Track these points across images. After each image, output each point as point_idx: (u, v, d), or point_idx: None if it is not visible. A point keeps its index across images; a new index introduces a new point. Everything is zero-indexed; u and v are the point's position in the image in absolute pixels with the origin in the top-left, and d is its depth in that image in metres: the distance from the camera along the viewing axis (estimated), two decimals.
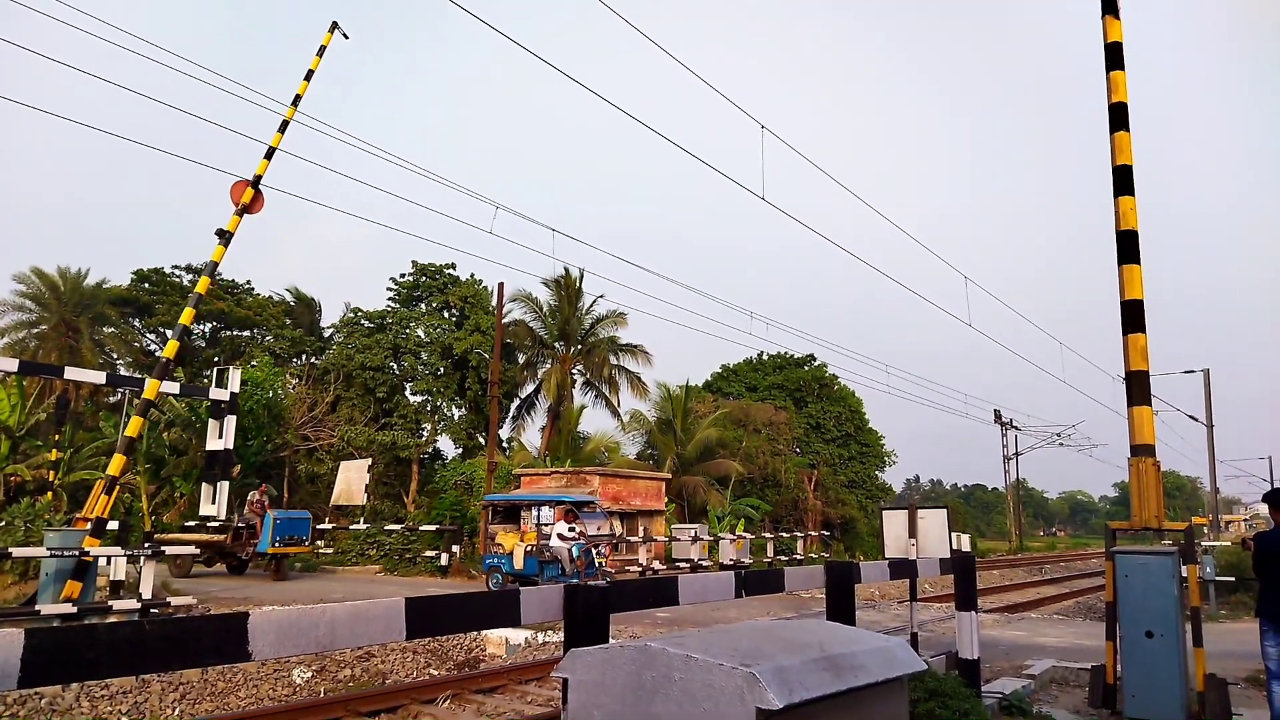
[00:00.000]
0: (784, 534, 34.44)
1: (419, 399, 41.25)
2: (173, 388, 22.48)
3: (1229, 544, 22.61)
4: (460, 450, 41.63)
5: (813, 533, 37.96)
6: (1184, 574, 7.41)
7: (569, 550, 17.37)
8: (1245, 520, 59.89)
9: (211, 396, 22.29)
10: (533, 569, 18.06)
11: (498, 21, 10.70)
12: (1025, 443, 63.32)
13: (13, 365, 19.29)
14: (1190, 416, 38.88)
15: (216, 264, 15.86)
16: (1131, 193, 8.53)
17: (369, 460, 29.76)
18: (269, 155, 15.87)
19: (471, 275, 42.42)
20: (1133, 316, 8.25)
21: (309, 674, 10.54)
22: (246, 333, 44.81)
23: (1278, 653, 6.51)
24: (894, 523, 10.50)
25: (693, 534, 27.17)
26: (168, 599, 13.86)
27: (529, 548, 18.31)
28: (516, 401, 41.24)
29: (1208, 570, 17.67)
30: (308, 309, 45.98)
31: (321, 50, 16.86)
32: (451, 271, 42.18)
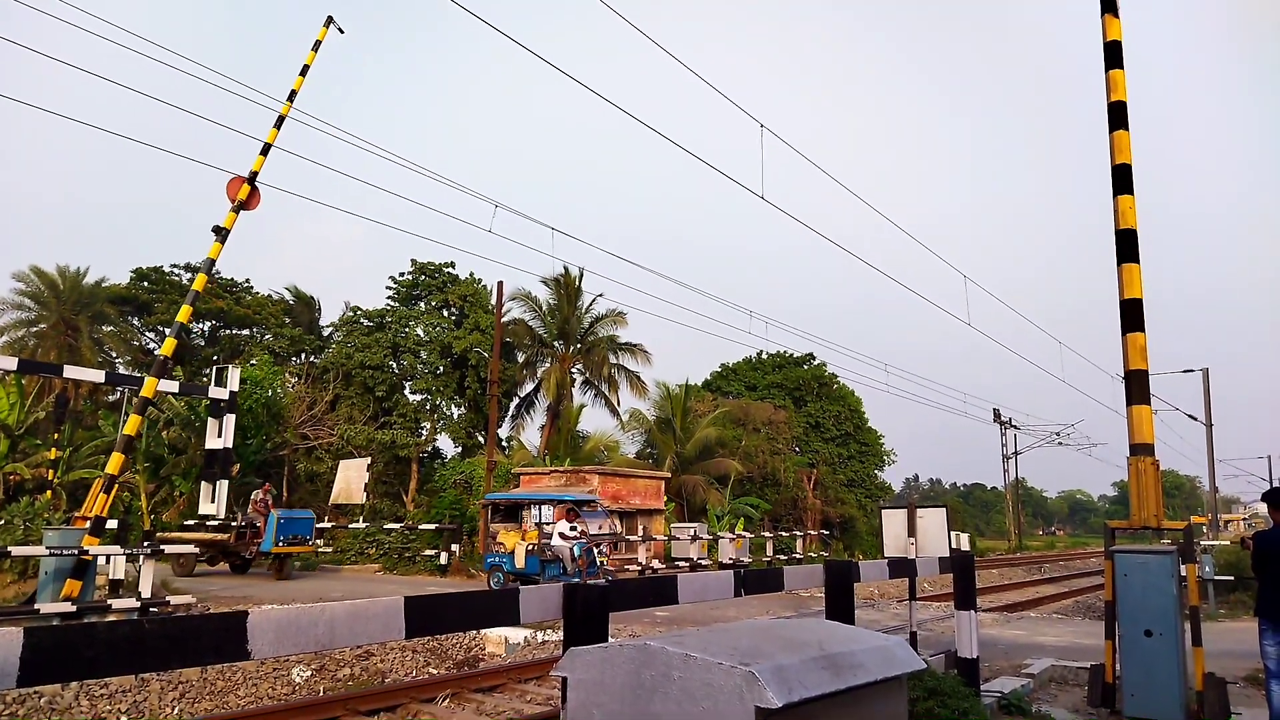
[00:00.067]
0: (783, 533, 34.45)
1: (418, 398, 41.26)
2: (172, 386, 22.46)
3: (1228, 543, 22.65)
4: (459, 449, 41.65)
5: (812, 532, 37.96)
6: (1183, 573, 7.41)
7: (571, 549, 17.37)
8: (1244, 519, 59.99)
9: (210, 395, 22.27)
10: (534, 568, 18.05)
11: (498, 21, 10.70)
12: (1024, 442, 63.46)
13: (12, 364, 19.27)
14: (1189, 416, 38.92)
15: (214, 261, 15.84)
16: (1131, 192, 8.53)
17: (368, 459, 29.75)
18: (265, 151, 15.84)
19: (471, 274, 42.45)
20: (1132, 316, 8.25)
21: (308, 673, 10.54)
22: (246, 331, 44.79)
23: (1276, 652, 6.52)
24: (893, 522, 10.51)
25: (692, 533, 27.18)
26: (167, 598, 13.86)
27: (530, 546, 18.30)
28: (516, 400, 41.27)
29: (1207, 569, 17.68)
30: (307, 308, 45.98)
31: (317, 45, 16.81)
32: (451, 270, 42.18)
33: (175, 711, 9.26)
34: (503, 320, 31.22)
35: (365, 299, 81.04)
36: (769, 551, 31.20)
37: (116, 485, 15.21)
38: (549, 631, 12.77)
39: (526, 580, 17.83)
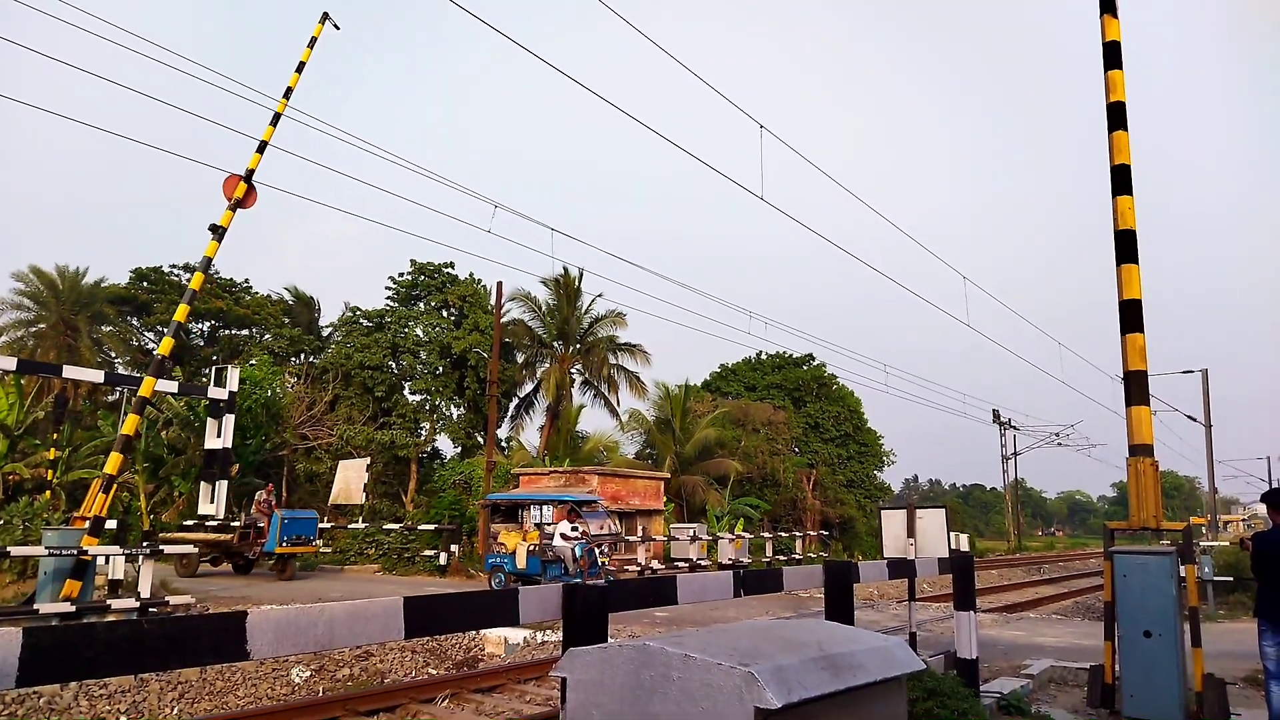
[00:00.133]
0: (782, 533, 34.45)
1: (417, 398, 41.26)
2: (171, 386, 22.47)
3: (1227, 544, 22.65)
4: (459, 449, 41.64)
5: (811, 532, 37.96)
6: (1182, 574, 7.42)
7: (572, 550, 17.36)
8: (1244, 520, 60.00)
9: (210, 395, 22.28)
10: (536, 568, 18.04)
11: (498, 21, 10.70)
12: (1024, 442, 63.45)
13: (11, 364, 19.27)
14: (1189, 416, 38.92)
15: (210, 259, 15.81)
16: (1130, 192, 8.53)
17: (367, 459, 29.74)
18: (261, 149, 15.81)
19: (470, 274, 42.45)
20: (1131, 316, 8.25)
21: (307, 673, 10.54)
22: (245, 331, 44.78)
23: (1276, 652, 6.52)
24: (892, 522, 10.51)
25: (691, 533, 27.17)
26: (166, 598, 13.86)
27: (531, 547, 18.29)
28: (515, 401, 41.27)
29: (1206, 570, 17.69)
30: (306, 308, 45.97)
31: (313, 42, 16.79)
32: (450, 270, 42.18)
33: (174, 712, 9.26)
34: (502, 321, 31.23)
35: (365, 299, 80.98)
36: (768, 552, 31.20)
37: (115, 485, 15.19)
38: (548, 632, 12.76)
39: (528, 581, 17.81)
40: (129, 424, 14.59)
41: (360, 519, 28.12)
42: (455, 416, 42.03)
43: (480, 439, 39.38)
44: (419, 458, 40.34)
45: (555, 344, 39.70)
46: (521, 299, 39.16)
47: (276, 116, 15.88)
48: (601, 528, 20.03)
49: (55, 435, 24.61)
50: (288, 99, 16.07)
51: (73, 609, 12.04)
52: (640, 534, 26.53)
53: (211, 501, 21.94)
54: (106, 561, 14.11)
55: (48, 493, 23.26)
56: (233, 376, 22.53)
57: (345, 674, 10.80)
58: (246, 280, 46.00)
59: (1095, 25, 9.02)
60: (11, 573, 15.77)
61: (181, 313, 15.51)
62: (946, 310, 21.41)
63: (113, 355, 41.14)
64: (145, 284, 42.11)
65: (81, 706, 8.81)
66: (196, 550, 20.36)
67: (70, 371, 20.33)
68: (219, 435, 22.22)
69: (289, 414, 35.15)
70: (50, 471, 24.58)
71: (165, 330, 39.08)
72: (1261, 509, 12.06)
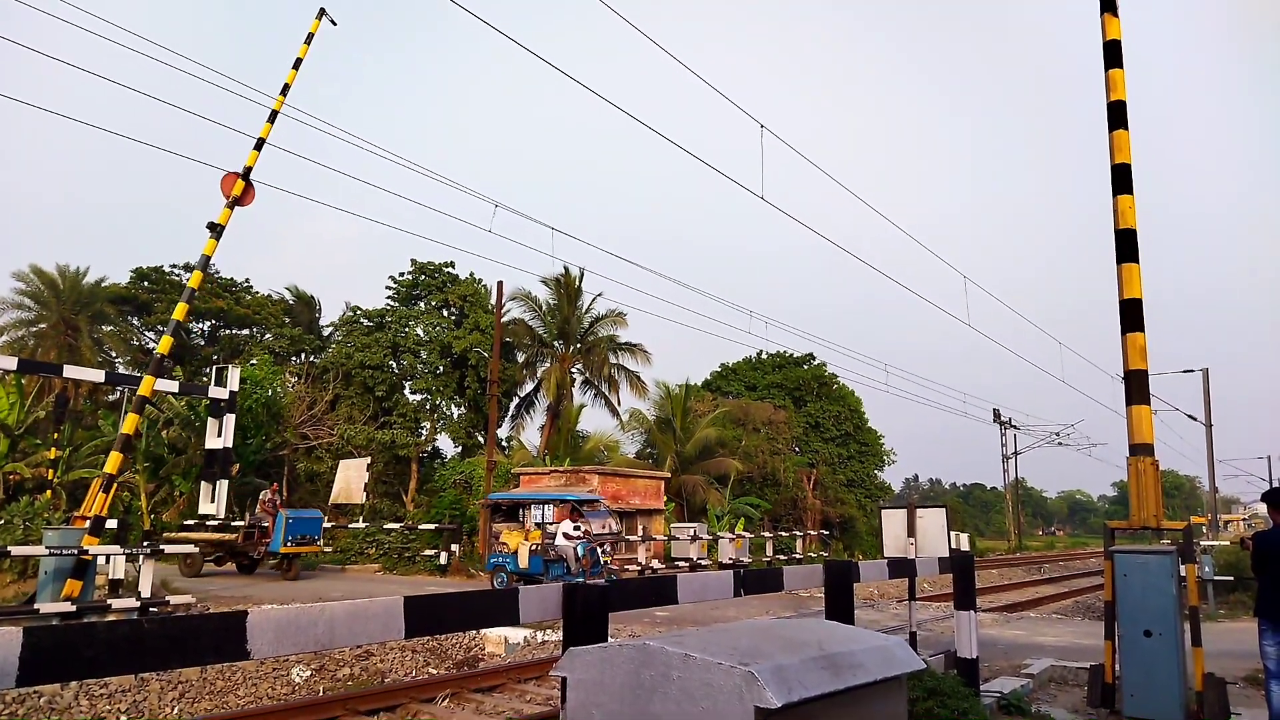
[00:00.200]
0: (783, 533, 34.44)
1: (418, 397, 41.26)
2: (172, 386, 22.46)
3: (1228, 543, 22.64)
4: (459, 449, 41.64)
5: (811, 532, 37.96)
6: (1182, 573, 7.41)
7: (574, 549, 17.35)
8: (1244, 520, 60.00)
9: (210, 395, 22.27)
10: (538, 568, 18.04)
11: (498, 21, 10.70)
12: (1024, 442, 63.50)
13: (12, 363, 19.27)
14: (1189, 416, 38.92)
15: (209, 257, 15.80)
16: (1130, 191, 8.53)
17: (368, 459, 29.74)
18: (259, 146, 15.79)
19: (471, 274, 42.45)
20: (1131, 315, 8.25)
21: (308, 673, 10.54)
22: (245, 331, 44.79)
23: (1276, 652, 6.52)
24: (893, 522, 10.51)
25: (692, 533, 27.17)
26: (167, 597, 13.86)
27: (534, 546, 18.28)
28: (516, 400, 41.27)
29: (1206, 569, 17.68)
30: (307, 307, 45.98)
31: (309, 38, 16.76)
32: (451, 270, 42.17)
33: (175, 711, 9.26)
34: (502, 320, 31.23)
35: (365, 299, 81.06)
36: (769, 551, 31.20)
37: (115, 485, 15.20)
38: (549, 631, 12.77)
39: (530, 580, 17.80)
40: (129, 423, 14.60)
41: (361, 518, 28.12)
42: (456, 416, 42.04)
43: (481, 438, 39.39)
44: (419, 457, 40.34)
45: (556, 343, 39.70)
46: (522, 298, 39.19)
47: (274, 114, 15.86)
48: (603, 527, 20.03)
49: (56, 435, 24.63)
50: (285, 96, 16.05)
51: (73, 608, 12.04)
52: (641, 533, 26.52)
53: (212, 501, 21.94)
54: (107, 561, 14.12)
55: (48, 492, 23.27)
56: (233, 376, 22.53)
57: (345, 673, 10.80)
58: (247, 280, 46.06)
59: (1095, 25, 9.02)
60: (12, 572, 15.78)
61: (180, 311, 15.51)
62: (947, 310, 21.41)
63: (113, 355, 41.15)
64: (146, 284, 42.12)
65: (82, 706, 8.81)
66: (200, 550, 20.40)
67: (71, 371, 20.33)
68: (220, 435, 22.21)
69: (290, 413, 35.15)
70: (51, 471, 24.60)
71: (165, 330, 39.16)
72: (1262, 508, 12.06)
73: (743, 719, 2.37)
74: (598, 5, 10.14)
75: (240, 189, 15.47)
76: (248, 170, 15.61)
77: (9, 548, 13.88)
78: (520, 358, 40.85)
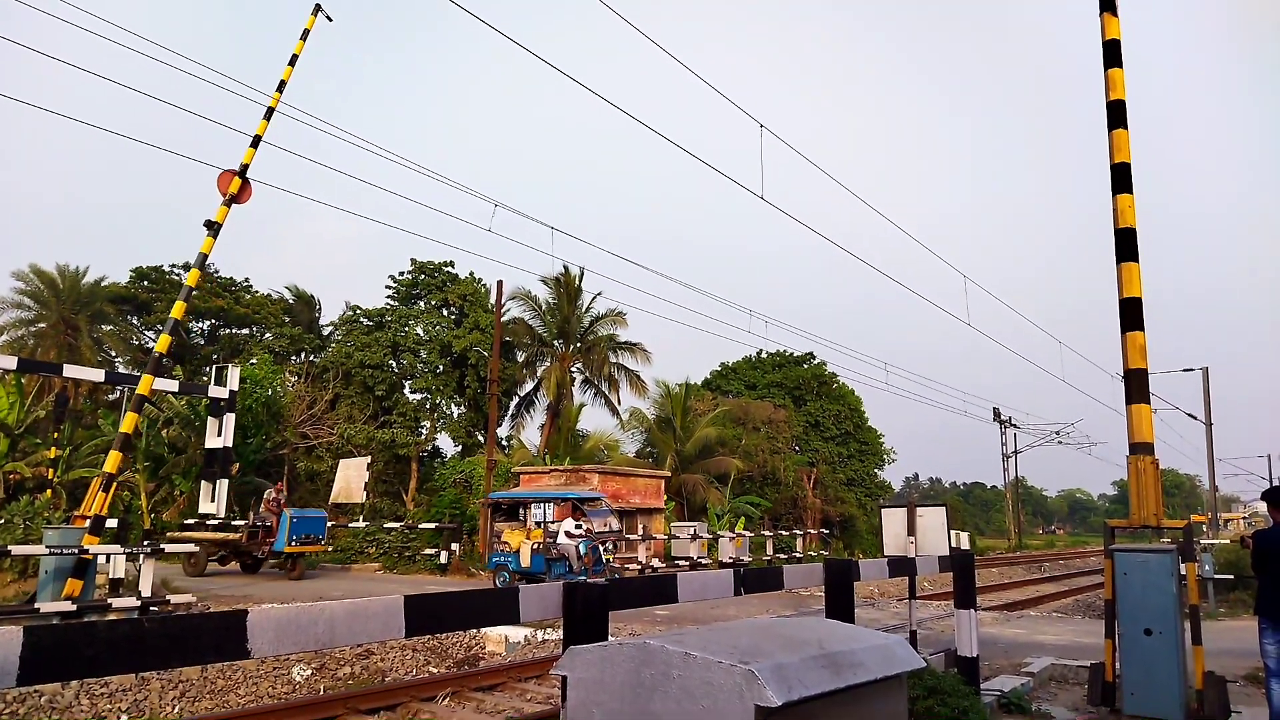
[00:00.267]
0: (783, 532, 34.46)
1: (418, 397, 41.27)
2: (172, 385, 22.46)
3: (1228, 542, 22.63)
4: (459, 448, 41.64)
5: (812, 530, 37.97)
6: (1183, 572, 7.42)
7: (576, 547, 17.34)
8: (1244, 518, 60.00)
9: (210, 394, 22.26)
10: (540, 566, 18.03)
11: (498, 21, 10.70)
12: (1024, 441, 63.57)
13: (11, 363, 19.26)
14: (1189, 415, 38.91)
15: (206, 256, 15.76)
16: (1130, 190, 8.53)
17: (368, 458, 29.76)
18: (255, 144, 15.75)
19: (470, 273, 42.45)
20: (1131, 314, 8.25)
21: (308, 672, 10.55)
22: (245, 330, 44.79)
23: (1276, 650, 6.52)
24: (893, 521, 10.51)
25: (692, 532, 27.18)
26: (167, 597, 13.86)
27: (536, 545, 18.28)
28: (516, 399, 41.27)
29: (1206, 568, 17.68)
30: (307, 306, 45.97)
31: (305, 34, 16.71)
32: (450, 269, 42.17)
33: (175, 710, 9.27)
34: (502, 319, 31.23)
35: (365, 298, 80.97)
36: (769, 550, 31.21)
37: (115, 484, 15.19)
38: (549, 630, 12.77)
39: (533, 579, 17.80)
40: (127, 422, 14.59)
41: (361, 518, 28.14)
42: (456, 415, 42.04)
43: (481, 438, 39.39)
44: (419, 456, 40.35)
45: (556, 343, 39.69)
46: (522, 298, 39.19)
47: (270, 111, 15.82)
48: (604, 525, 20.03)
49: (56, 434, 24.62)
50: (281, 93, 16.01)
51: (74, 608, 12.04)
52: (641, 532, 26.53)
53: (212, 500, 21.94)
54: (107, 560, 14.12)
55: (48, 492, 23.27)
56: (233, 375, 22.52)
57: (346, 672, 10.81)
58: (247, 279, 46.06)
59: (1095, 25, 9.02)
60: (13, 571, 15.78)
61: (178, 310, 15.48)
62: (947, 309, 21.42)
63: (113, 354, 41.16)
64: (145, 283, 42.12)
65: (83, 705, 8.82)
66: (204, 549, 20.43)
67: (71, 370, 20.32)
68: (219, 434, 22.21)
69: (289, 413, 35.16)
70: (51, 470, 24.60)
71: (164, 329, 39.18)
72: (1262, 507, 12.05)
73: (743, 717, 2.37)
74: (598, 5, 10.14)
75: (237, 186, 15.43)
76: (244, 168, 15.58)
77: (9, 547, 13.88)
78: (520, 357, 40.85)
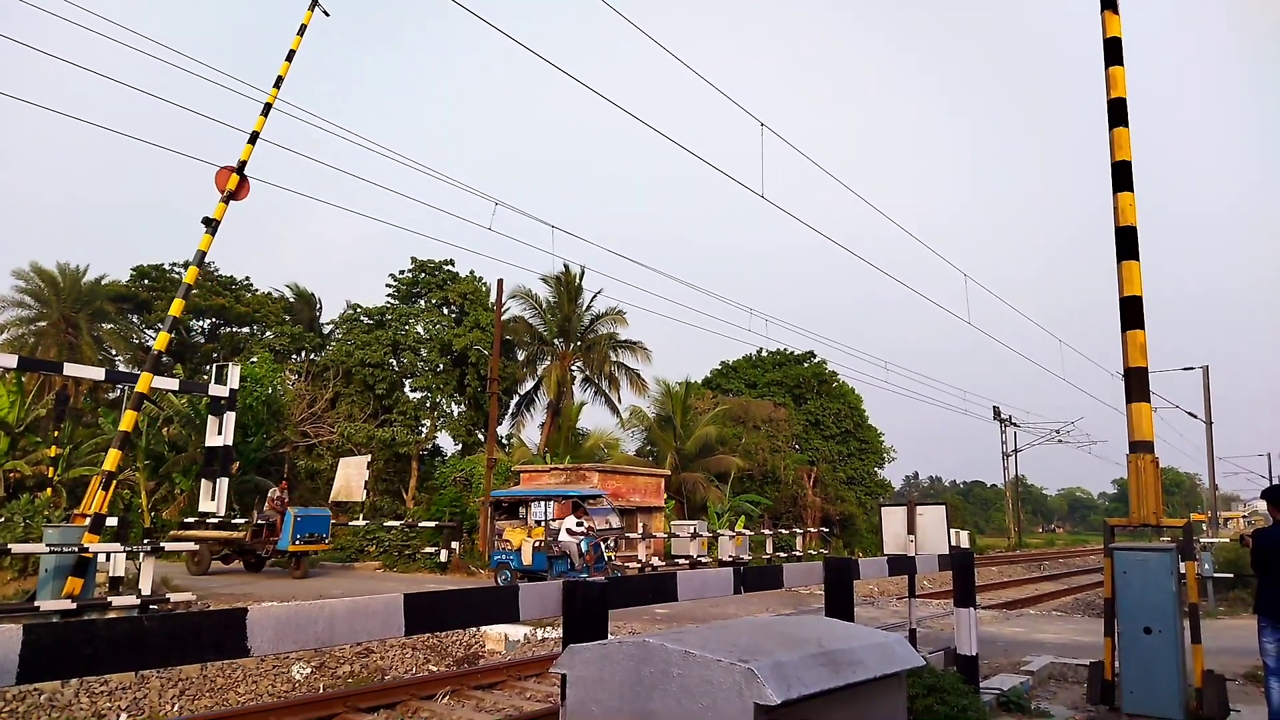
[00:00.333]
0: (783, 530, 34.46)
1: (418, 395, 41.27)
2: (172, 384, 22.45)
3: (1227, 541, 22.65)
4: (459, 447, 41.65)
5: (811, 529, 37.97)
6: (1182, 570, 7.42)
7: (578, 545, 17.33)
8: (1244, 517, 60.05)
9: (211, 393, 22.23)
10: (541, 564, 18.03)
11: (498, 20, 10.69)
12: (1024, 439, 63.57)
13: (12, 361, 19.25)
14: (1189, 413, 38.88)
15: (204, 253, 15.73)
16: (1131, 189, 8.53)
17: (368, 457, 29.75)
18: (253, 140, 15.70)
19: (471, 272, 42.44)
20: (1132, 313, 8.25)
21: (308, 670, 10.56)
22: (246, 329, 44.79)
23: (1276, 649, 6.52)
24: (893, 519, 10.51)
25: (692, 530, 27.19)
26: (167, 595, 13.87)
27: (537, 543, 18.27)
28: (516, 398, 41.26)
29: (1206, 567, 17.70)
30: (307, 305, 45.97)
31: (302, 29, 16.67)
32: (451, 268, 42.15)
33: (175, 708, 9.27)
34: (503, 318, 31.22)
35: (365, 297, 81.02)
36: (769, 549, 31.22)
37: (115, 482, 15.18)
38: (549, 629, 12.77)
39: (534, 577, 17.81)
40: (127, 420, 14.58)
41: (361, 516, 28.15)
42: (456, 414, 42.04)
43: (481, 436, 39.40)
44: (420, 455, 40.35)
45: (556, 341, 39.69)
46: (522, 296, 39.18)
47: (267, 106, 15.77)
48: (607, 523, 20.04)
49: (56, 433, 24.62)
50: (278, 88, 15.96)
51: (74, 606, 12.05)
52: (641, 531, 26.54)
53: (212, 499, 21.90)
54: (107, 559, 14.12)
55: (49, 490, 23.28)
56: (233, 374, 22.49)
57: (346, 671, 10.82)
58: (247, 278, 46.08)
59: (1096, 24, 9.01)
60: (13, 570, 15.78)
61: (177, 307, 15.45)
62: (947, 308, 21.44)
63: (113, 353, 41.17)
64: (146, 281, 42.12)
65: (82, 703, 8.82)
66: (208, 547, 20.43)
67: (71, 369, 20.31)
68: (220, 432, 22.17)
69: (290, 411, 35.15)
70: (51, 469, 24.60)
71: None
72: (1262, 505, 12.06)
73: (742, 716, 2.37)
74: (598, 4, 10.13)
75: (235, 183, 15.38)
76: (242, 164, 15.54)
77: (9, 545, 13.88)
78: (520, 355, 40.85)
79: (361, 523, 26.84)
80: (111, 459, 14.22)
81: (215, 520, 21.68)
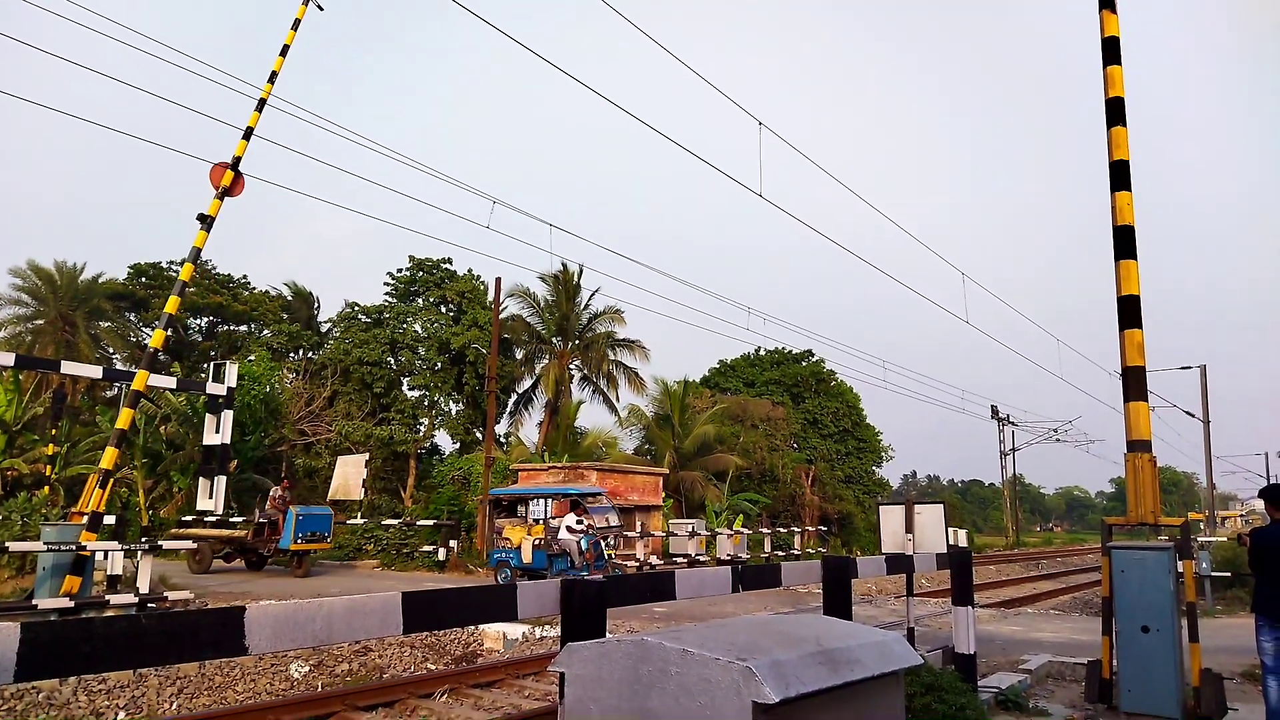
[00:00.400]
0: (781, 529, 34.47)
1: (416, 394, 41.25)
2: (169, 382, 22.43)
3: (1225, 539, 22.68)
4: (457, 445, 41.64)
5: (810, 528, 38.00)
6: (1180, 569, 7.43)
7: (578, 543, 17.32)
8: (1242, 516, 60.19)
9: (208, 391, 22.21)
10: (541, 562, 18.02)
11: (498, 20, 10.68)
12: (1022, 438, 63.49)
13: (9, 359, 19.22)
14: (1187, 412, 38.92)
15: (199, 249, 15.70)
16: (1129, 188, 8.53)
17: (366, 455, 29.74)
18: (247, 136, 15.66)
19: (469, 270, 42.42)
20: (1129, 312, 8.26)
21: (306, 668, 10.55)
22: (243, 327, 44.75)
23: (1273, 648, 6.53)
24: (891, 518, 10.52)
25: (690, 529, 27.20)
26: (165, 593, 13.86)
27: (537, 541, 18.26)
28: (514, 397, 41.26)
29: (1204, 565, 17.71)
30: (305, 304, 45.94)
31: (296, 24, 16.64)
32: (449, 266, 42.12)
33: (173, 706, 9.27)
34: (501, 316, 31.21)
35: (363, 295, 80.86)
36: (767, 548, 31.22)
37: (112, 480, 15.15)
38: (547, 627, 12.77)
39: (534, 575, 17.80)
40: (123, 418, 14.56)
41: (359, 515, 28.14)
42: (454, 412, 42.03)
43: (479, 435, 39.38)
44: (418, 453, 40.34)
45: (554, 340, 39.68)
46: (520, 295, 39.15)
47: (262, 102, 15.72)
48: (607, 521, 20.04)
49: (53, 431, 24.59)
50: (273, 83, 15.92)
51: (71, 604, 12.04)
52: (639, 529, 26.54)
53: (210, 497, 21.88)
54: (105, 557, 14.10)
55: (46, 488, 23.23)
56: (231, 372, 22.46)
57: (344, 669, 10.81)
58: (245, 276, 46.05)
59: (1094, 24, 9.02)
60: (10, 568, 15.76)
61: (172, 304, 15.42)
62: (946, 307, 21.46)
63: (111, 351, 41.12)
64: (143, 280, 42.07)
65: (80, 701, 8.82)
66: (210, 546, 20.41)
67: (68, 367, 20.27)
68: (217, 431, 22.15)
69: (288, 409, 35.12)
70: (49, 467, 24.57)
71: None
72: (1259, 504, 12.07)
73: (740, 714, 2.37)
74: (598, 4, 10.12)
75: (229, 179, 15.35)
76: (237, 160, 15.50)
77: (7, 543, 13.85)
78: (519, 354, 40.84)
79: (359, 521, 26.82)
80: (109, 457, 14.20)
81: (213, 519, 21.66)
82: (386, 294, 42.52)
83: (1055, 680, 9.42)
